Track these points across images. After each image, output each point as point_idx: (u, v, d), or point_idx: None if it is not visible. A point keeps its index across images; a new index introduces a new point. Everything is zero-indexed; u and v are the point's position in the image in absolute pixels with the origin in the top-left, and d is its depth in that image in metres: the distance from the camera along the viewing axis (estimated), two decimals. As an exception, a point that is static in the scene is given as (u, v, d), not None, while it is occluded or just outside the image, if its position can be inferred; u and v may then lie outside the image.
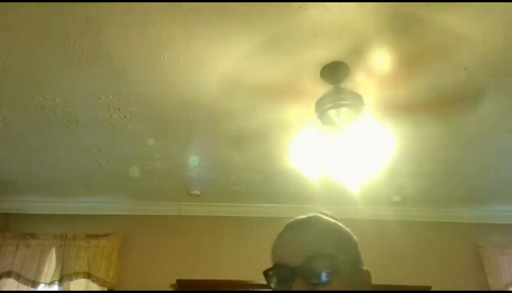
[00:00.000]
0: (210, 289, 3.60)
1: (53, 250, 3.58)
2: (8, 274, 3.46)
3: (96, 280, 3.50)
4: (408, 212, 3.87)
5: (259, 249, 4.08)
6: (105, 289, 3.50)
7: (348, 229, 0.88)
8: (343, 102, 2.07)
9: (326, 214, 0.89)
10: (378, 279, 3.85)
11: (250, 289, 3.54)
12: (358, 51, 2.03)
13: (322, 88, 2.15)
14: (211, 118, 2.59)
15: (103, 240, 3.63)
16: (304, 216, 0.88)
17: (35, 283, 3.46)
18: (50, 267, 3.54)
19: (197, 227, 3.85)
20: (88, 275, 3.50)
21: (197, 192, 3.67)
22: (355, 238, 0.87)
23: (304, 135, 2.21)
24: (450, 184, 3.46)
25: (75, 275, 3.50)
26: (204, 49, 2.03)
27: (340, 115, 2.08)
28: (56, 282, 3.49)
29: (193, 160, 3.11)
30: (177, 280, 3.53)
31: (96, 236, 3.64)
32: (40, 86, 2.32)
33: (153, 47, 2.02)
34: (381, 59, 2.09)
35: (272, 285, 0.80)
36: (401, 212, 3.86)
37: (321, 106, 2.11)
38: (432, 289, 3.52)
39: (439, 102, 2.39)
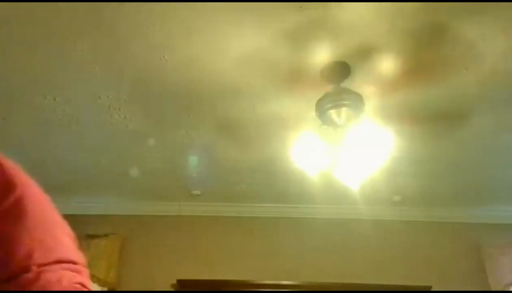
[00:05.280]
0: (210, 289, 3.60)
1: (53, 250, 3.58)
2: (8, 274, 3.46)
3: (96, 280, 3.49)
4: (408, 212, 3.87)
5: (259, 248, 4.11)
6: (105, 289, 3.50)
7: None
8: (343, 102, 2.07)
9: None
10: (378, 279, 3.86)
11: (251, 289, 3.55)
12: (359, 51, 2.03)
13: (322, 88, 2.15)
14: (212, 118, 2.59)
15: (103, 240, 3.63)
16: None
17: (35, 283, 3.46)
18: (50, 267, 3.54)
19: (197, 227, 3.85)
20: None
21: (197, 192, 3.67)
22: None
23: (305, 135, 2.21)
24: (450, 183, 3.46)
25: (75, 275, 3.50)
26: (203, 49, 2.03)
27: (341, 115, 2.08)
28: (56, 282, 3.49)
29: (193, 160, 3.11)
30: (177, 280, 3.53)
31: (96, 236, 3.64)
32: (40, 86, 2.32)
33: (153, 47, 2.02)
34: (381, 59, 2.09)
35: None
36: (401, 212, 3.86)
37: (321, 106, 2.11)
38: (433, 289, 3.53)
39: (439, 110, 2.40)
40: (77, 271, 0.58)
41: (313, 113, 2.18)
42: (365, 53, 2.04)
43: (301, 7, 1.77)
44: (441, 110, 2.48)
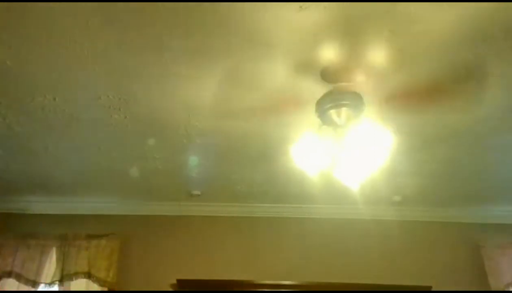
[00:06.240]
0: (210, 289, 3.61)
1: (54, 250, 3.59)
2: (9, 274, 3.46)
3: (96, 280, 3.50)
4: (408, 212, 3.87)
5: (259, 248, 4.12)
6: (105, 289, 3.50)
7: None
8: (343, 102, 2.07)
9: None
10: (378, 279, 3.87)
11: (250, 289, 3.55)
12: (358, 51, 2.03)
13: (322, 88, 2.15)
14: (211, 118, 2.59)
15: (103, 240, 3.63)
16: None
17: (35, 283, 3.46)
18: (51, 267, 3.54)
19: (197, 227, 3.85)
20: (89, 275, 3.50)
21: (198, 192, 3.67)
22: None
23: (305, 135, 2.21)
24: (450, 183, 3.46)
25: (76, 275, 3.50)
26: (204, 49, 2.03)
27: (341, 115, 2.08)
28: (57, 282, 3.49)
29: (193, 160, 3.11)
30: (177, 280, 3.53)
31: (96, 236, 3.64)
32: (40, 86, 2.32)
33: (153, 47, 2.02)
34: (381, 59, 2.09)
35: None
36: (401, 212, 3.86)
37: (321, 106, 2.11)
38: (433, 289, 3.53)
39: (440, 96, 2.39)
40: None
41: (313, 114, 2.18)
42: (365, 53, 2.04)
43: (301, 7, 1.78)
44: (442, 110, 2.48)
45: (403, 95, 2.34)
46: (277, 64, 2.12)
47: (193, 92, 2.36)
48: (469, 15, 1.82)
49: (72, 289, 3.49)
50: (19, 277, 3.46)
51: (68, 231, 3.63)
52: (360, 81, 2.19)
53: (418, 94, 2.35)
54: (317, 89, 2.17)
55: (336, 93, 2.10)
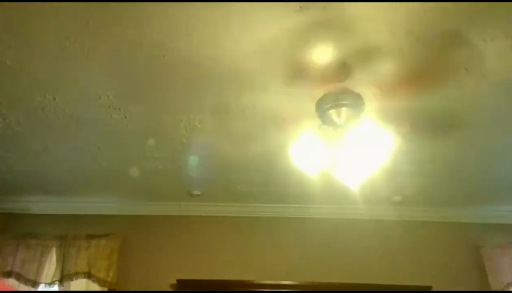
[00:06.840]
0: (210, 289, 3.60)
1: (54, 250, 3.58)
2: (9, 274, 3.46)
3: (96, 280, 3.50)
4: (408, 212, 3.87)
5: (259, 249, 4.12)
6: (105, 289, 3.50)
7: None
8: (343, 102, 2.08)
9: None
10: (378, 279, 3.86)
11: (250, 289, 3.55)
12: (359, 51, 2.02)
13: (322, 88, 2.15)
14: (211, 118, 2.59)
15: (103, 240, 3.63)
16: None
17: (35, 283, 3.46)
18: (51, 267, 3.54)
19: (197, 227, 3.85)
20: (89, 275, 3.50)
21: (198, 192, 3.67)
22: None
23: (304, 135, 2.21)
24: (450, 184, 3.46)
25: (76, 275, 3.50)
26: (204, 49, 2.03)
27: (341, 115, 2.08)
28: (57, 282, 3.49)
29: (193, 160, 3.11)
30: (177, 280, 3.53)
31: (96, 236, 3.64)
32: (40, 86, 2.32)
33: (153, 47, 2.02)
34: (382, 59, 2.09)
35: None
36: (401, 212, 3.86)
37: (321, 106, 2.11)
38: (433, 289, 3.53)
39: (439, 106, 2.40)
40: None
41: (313, 113, 2.18)
42: (366, 53, 2.04)
43: (301, 7, 1.78)
44: (442, 110, 2.48)
45: (403, 105, 2.34)
46: (277, 64, 2.13)
47: (193, 92, 2.36)
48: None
49: (72, 289, 3.49)
50: (19, 277, 3.45)
51: (68, 231, 3.63)
52: (360, 81, 2.19)
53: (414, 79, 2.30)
54: (317, 89, 2.17)
55: (336, 93, 2.10)
